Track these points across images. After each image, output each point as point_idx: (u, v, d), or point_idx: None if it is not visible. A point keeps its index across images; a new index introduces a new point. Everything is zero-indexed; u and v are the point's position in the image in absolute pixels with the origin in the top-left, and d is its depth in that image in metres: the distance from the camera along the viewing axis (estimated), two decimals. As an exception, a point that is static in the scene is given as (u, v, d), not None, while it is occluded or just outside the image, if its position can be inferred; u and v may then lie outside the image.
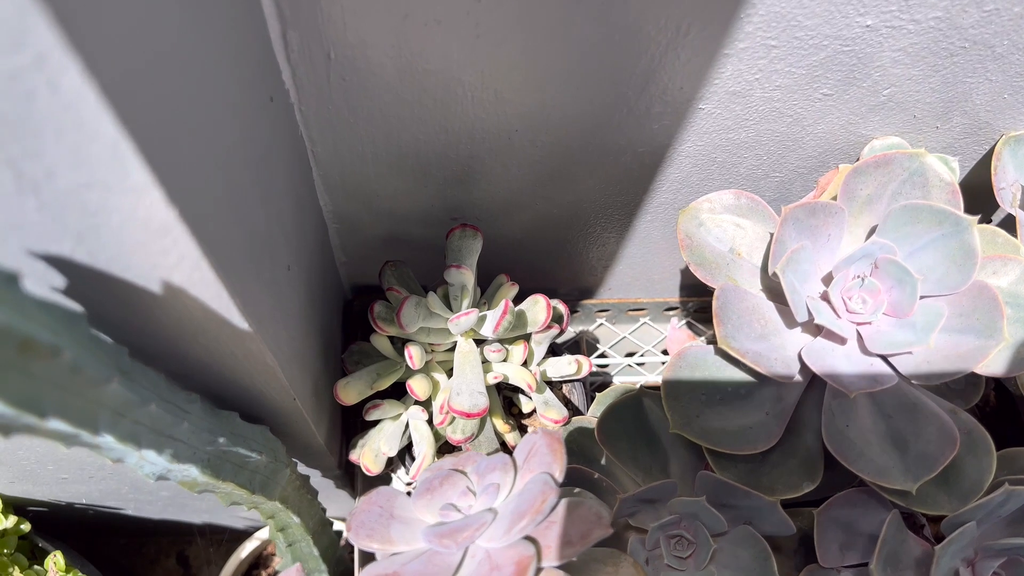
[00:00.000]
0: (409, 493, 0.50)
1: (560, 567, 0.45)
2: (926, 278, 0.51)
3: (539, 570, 0.43)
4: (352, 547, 0.98)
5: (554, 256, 0.79)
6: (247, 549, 1.00)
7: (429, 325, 0.62)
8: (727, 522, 0.54)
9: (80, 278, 0.34)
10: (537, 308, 0.63)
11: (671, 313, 0.89)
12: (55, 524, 0.91)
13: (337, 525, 0.99)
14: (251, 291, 0.41)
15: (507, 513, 0.44)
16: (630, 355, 0.88)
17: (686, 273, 0.83)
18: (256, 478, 0.56)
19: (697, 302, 0.87)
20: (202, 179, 0.33)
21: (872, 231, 0.56)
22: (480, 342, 0.66)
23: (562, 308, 0.67)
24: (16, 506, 0.85)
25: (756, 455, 0.54)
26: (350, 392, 0.63)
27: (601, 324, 0.89)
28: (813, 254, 0.53)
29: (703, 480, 0.54)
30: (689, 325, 0.88)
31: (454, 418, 0.63)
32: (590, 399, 0.77)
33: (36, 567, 0.83)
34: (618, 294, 0.87)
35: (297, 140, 0.56)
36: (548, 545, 0.44)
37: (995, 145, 0.62)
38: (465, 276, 0.61)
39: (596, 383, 0.86)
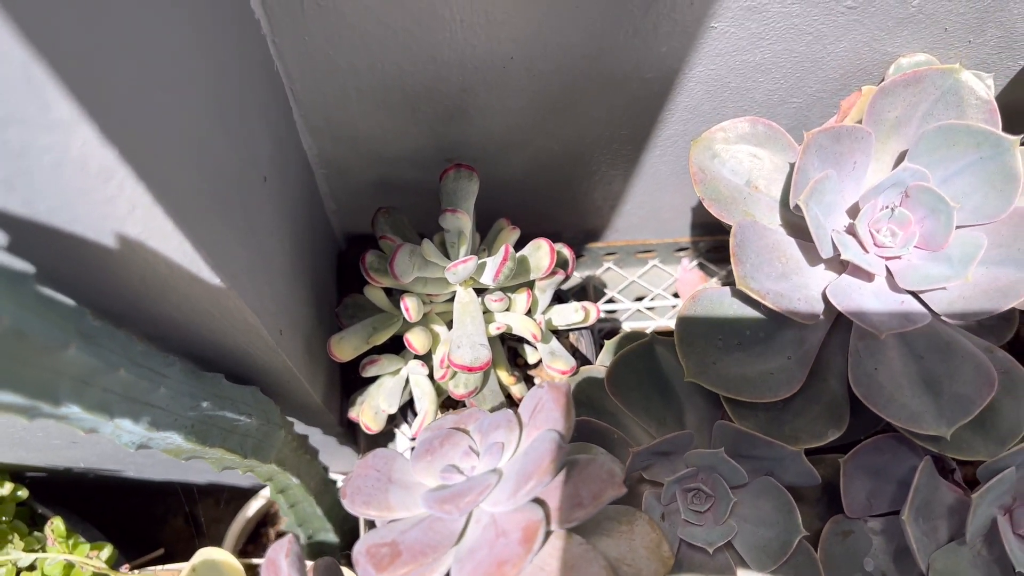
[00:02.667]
0: (413, 449, 0.46)
1: (571, 529, 0.42)
2: (962, 206, 0.46)
3: (548, 534, 0.40)
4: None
5: (557, 197, 0.74)
6: (253, 508, 0.98)
7: (425, 275, 0.58)
8: (747, 473, 0.51)
9: (19, 232, 0.30)
10: (540, 253, 0.59)
11: (681, 254, 0.84)
12: (54, 489, 0.89)
13: (341, 482, 0.97)
14: (221, 242, 0.37)
15: (512, 474, 0.41)
16: (639, 299, 0.85)
17: (698, 211, 0.79)
18: (248, 441, 0.53)
19: (709, 241, 0.83)
20: (149, 113, 0.28)
21: (900, 157, 0.51)
22: (480, 291, 0.62)
23: (567, 252, 0.63)
24: (13, 473, 0.83)
25: (777, 402, 0.51)
26: (345, 348, 0.59)
27: (608, 268, 0.85)
28: (838, 184, 0.49)
29: (721, 430, 0.51)
30: (701, 266, 0.84)
31: (455, 372, 0.60)
32: (598, 347, 0.73)
33: (36, 533, 0.81)
34: (626, 236, 0.83)
35: (273, 76, 0.51)
36: (557, 507, 0.41)
37: (1032, 60, 0.57)
38: (461, 221, 0.56)
39: (604, 330, 0.83)
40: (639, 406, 0.57)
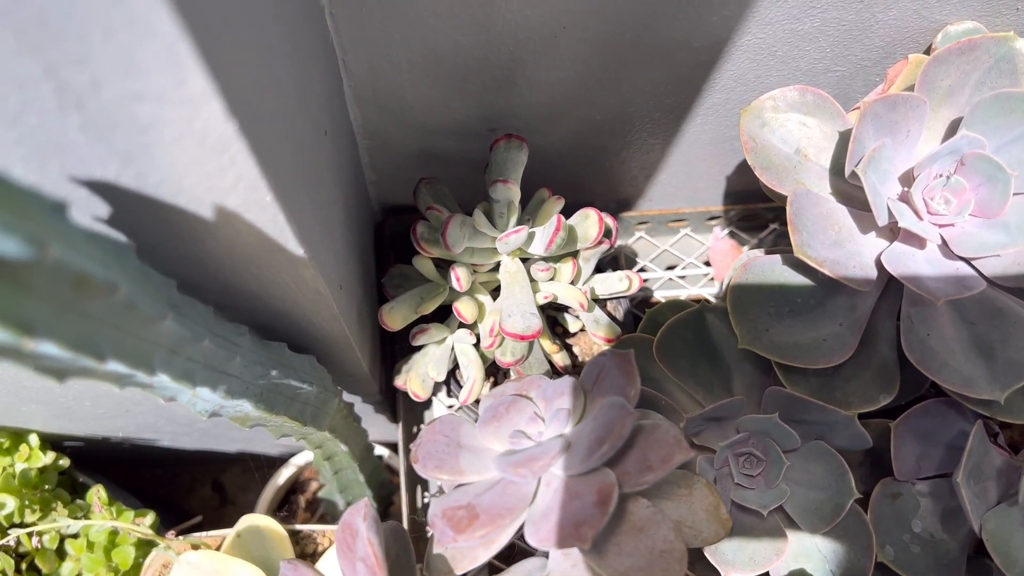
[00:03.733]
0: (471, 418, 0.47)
1: (637, 493, 0.43)
2: (1019, 174, 0.47)
3: (622, 497, 0.41)
4: (392, 470, 0.98)
5: (594, 167, 0.75)
6: (284, 476, 1.00)
7: (474, 245, 0.59)
8: (799, 438, 0.52)
9: (126, 205, 0.30)
10: (588, 223, 0.59)
11: (713, 223, 0.85)
12: (92, 458, 0.90)
13: (378, 449, 0.98)
14: (304, 214, 0.37)
15: (584, 439, 0.42)
16: (670, 268, 0.85)
17: (731, 179, 0.79)
18: (307, 409, 0.54)
19: (740, 210, 0.83)
20: (257, 90, 0.29)
21: (952, 126, 0.52)
22: (525, 260, 0.63)
23: (611, 222, 0.64)
24: (53, 442, 0.84)
25: (828, 368, 0.52)
26: (395, 317, 0.60)
27: (640, 237, 0.85)
28: (893, 152, 0.49)
29: (773, 396, 0.52)
30: (731, 235, 0.85)
31: (503, 340, 0.61)
32: (633, 315, 0.74)
33: (79, 501, 0.83)
34: (659, 205, 0.83)
35: (328, 48, 0.51)
36: (627, 471, 0.42)
37: (1079, 27, 0.57)
38: (512, 191, 0.57)
39: (635, 299, 0.83)
40: (687, 373, 0.58)
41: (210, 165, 0.28)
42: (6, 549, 0.77)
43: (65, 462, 0.85)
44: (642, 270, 0.84)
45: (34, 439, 0.80)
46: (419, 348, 0.66)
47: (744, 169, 0.75)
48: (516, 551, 0.62)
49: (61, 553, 0.78)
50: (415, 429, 0.75)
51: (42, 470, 0.82)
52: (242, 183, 0.30)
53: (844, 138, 0.54)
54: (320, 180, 0.43)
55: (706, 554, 0.51)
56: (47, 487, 0.84)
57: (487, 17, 0.51)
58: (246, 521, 0.76)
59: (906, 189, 0.50)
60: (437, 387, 0.71)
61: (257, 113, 0.29)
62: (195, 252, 0.36)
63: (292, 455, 1.01)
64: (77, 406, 0.70)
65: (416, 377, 0.64)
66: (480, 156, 0.61)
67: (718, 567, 0.51)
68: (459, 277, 0.58)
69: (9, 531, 0.76)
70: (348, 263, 0.56)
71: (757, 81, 0.62)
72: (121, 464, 1.03)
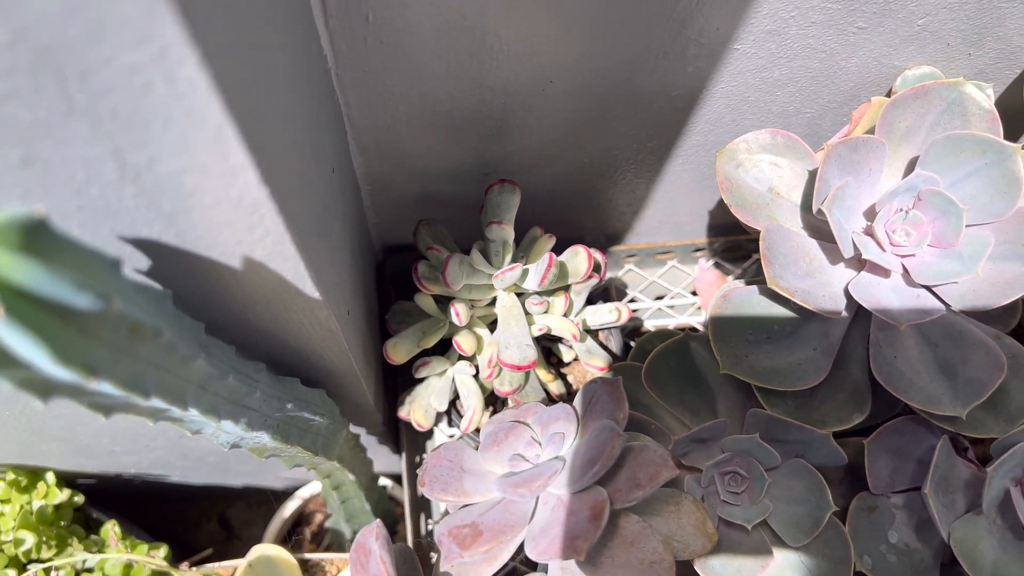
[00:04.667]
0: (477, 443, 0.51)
1: (627, 509, 0.47)
2: (970, 207, 0.51)
3: (614, 513, 0.44)
4: (395, 500, 1.01)
5: (583, 205, 0.79)
6: (289, 508, 1.03)
7: (472, 282, 0.63)
8: (778, 456, 0.55)
9: (165, 259, 0.34)
10: (578, 259, 0.64)
11: (698, 254, 0.89)
12: (103, 495, 0.93)
13: (381, 480, 1.01)
14: (321, 262, 0.41)
15: (578, 460, 0.46)
16: (659, 298, 0.89)
17: (713, 213, 0.84)
18: (319, 440, 0.58)
19: (724, 241, 0.88)
20: (284, 157, 0.33)
21: (910, 163, 0.56)
22: (520, 295, 0.67)
23: (599, 257, 0.68)
24: (67, 479, 0.87)
25: (805, 391, 0.56)
26: (399, 351, 0.64)
27: (629, 269, 0.89)
28: (856, 190, 0.53)
29: (754, 417, 0.56)
30: (717, 265, 0.89)
31: (502, 370, 0.65)
32: (623, 344, 0.78)
33: (93, 537, 0.85)
34: (645, 238, 0.88)
35: (334, 104, 0.56)
36: (618, 489, 0.45)
37: (1027, 68, 0.62)
38: (506, 232, 0.61)
39: (627, 328, 0.87)
40: (674, 398, 0.61)
41: (242, 223, 0.32)
42: (25, 584, 0.80)
43: (80, 499, 0.88)
44: (632, 301, 0.88)
45: (51, 476, 0.83)
46: (421, 380, 0.70)
47: (724, 204, 0.79)
48: (515, 573, 0.66)
49: (78, 587, 0.81)
50: (418, 458, 0.78)
51: (58, 507, 0.84)
52: (269, 237, 0.34)
53: (813, 176, 0.58)
54: (331, 227, 0.47)
55: (696, 568, 0.54)
56: (63, 523, 0.87)
57: (480, 74, 0.56)
58: (257, 551, 0.79)
59: (870, 223, 0.54)
60: (439, 417, 0.74)
61: (283, 175, 0.33)
62: (222, 297, 0.40)
63: (297, 488, 1.04)
64: (95, 442, 0.73)
65: (419, 408, 0.68)
66: (475, 198, 0.66)
67: (708, 580, 0.54)
68: (459, 312, 0.62)
69: (28, 566, 0.79)
70: (355, 300, 0.60)
71: (733, 124, 0.67)
72: (131, 501, 1.06)
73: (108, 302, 0.27)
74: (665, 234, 0.88)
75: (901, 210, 0.53)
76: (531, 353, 0.61)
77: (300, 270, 0.37)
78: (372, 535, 0.45)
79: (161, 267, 0.35)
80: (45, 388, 0.26)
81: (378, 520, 0.47)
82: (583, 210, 0.80)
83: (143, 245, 0.33)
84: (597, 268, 0.67)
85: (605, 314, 0.68)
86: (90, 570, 0.84)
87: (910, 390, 0.52)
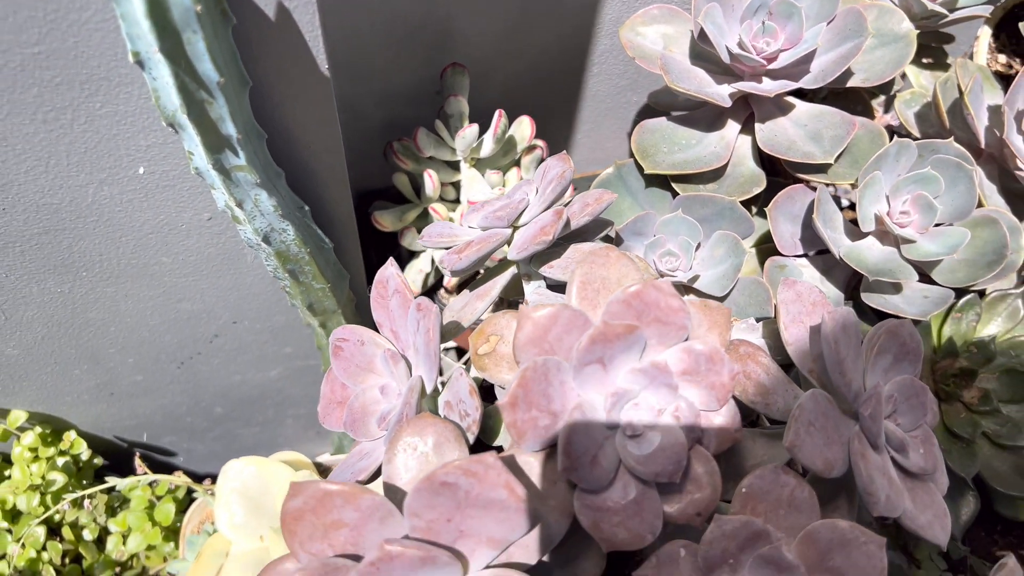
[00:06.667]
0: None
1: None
2: (807, 12, 0.68)
3: (567, 223, 0.57)
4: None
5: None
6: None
7: (438, 155, 0.77)
8: (701, 231, 0.69)
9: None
10: (523, 126, 0.79)
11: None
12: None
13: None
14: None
15: (540, 198, 0.59)
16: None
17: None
18: (330, 270, 0.68)
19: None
20: None
21: None
22: (479, 166, 0.81)
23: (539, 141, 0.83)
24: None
25: (712, 177, 0.70)
26: (386, 218, 0.77)
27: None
28: (723, 13, 0.70)
29: (676, 201, 0.70)
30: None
31: (472, 226, 0.78)
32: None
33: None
34: (580, 169, 1.03)
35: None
36: (572, 213, 0.58)
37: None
38: (462, 104, 0.76)
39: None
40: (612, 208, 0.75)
41: None
42: (54, 521, 0.86)
43: (99, 460, 0.94)
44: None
45: (72, 433, 0.89)
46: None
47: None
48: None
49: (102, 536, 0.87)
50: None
51: (80, 467, 0.90)
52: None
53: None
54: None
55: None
56: (85, 482, 0.93)
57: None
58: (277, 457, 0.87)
59: (742, 38, 0.70)
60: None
61: None
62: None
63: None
64: (120, 364, 0.82)
65: (412, 272, 0.80)
66: (432, 122, 0.80)
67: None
68: (431, 176, 0.75)
69: (63, 497, 0.86)
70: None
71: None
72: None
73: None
74: (595, 164, 1.04)
75: (762, 23, 0.69)
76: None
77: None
78: (388, 265, 0.56)
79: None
80: None
81: (391, 259, 0.58)
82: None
83: None
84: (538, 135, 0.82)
85: (552, 181, 0.83)
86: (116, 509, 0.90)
87: (791, 151, 0.67)
